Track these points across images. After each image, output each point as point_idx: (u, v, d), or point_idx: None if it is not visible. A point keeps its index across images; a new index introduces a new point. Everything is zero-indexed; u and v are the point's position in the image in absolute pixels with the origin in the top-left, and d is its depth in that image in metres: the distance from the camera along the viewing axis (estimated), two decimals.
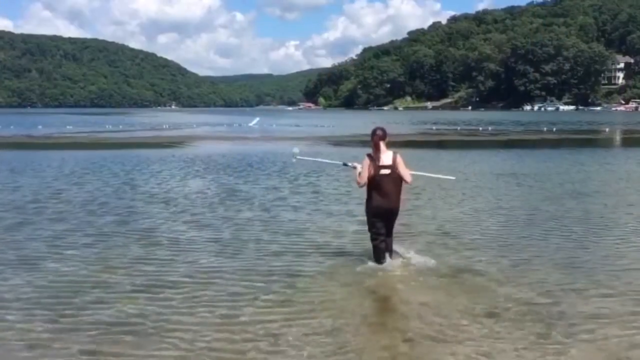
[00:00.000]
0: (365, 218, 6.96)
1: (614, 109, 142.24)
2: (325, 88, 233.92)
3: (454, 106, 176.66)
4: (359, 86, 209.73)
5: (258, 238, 8.39)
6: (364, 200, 6.92)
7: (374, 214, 6.72)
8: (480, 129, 48.18)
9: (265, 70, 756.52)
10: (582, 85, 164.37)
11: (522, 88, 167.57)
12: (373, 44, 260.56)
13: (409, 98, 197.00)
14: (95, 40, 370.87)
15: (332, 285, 6.25)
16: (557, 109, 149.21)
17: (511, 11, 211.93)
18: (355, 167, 6.88)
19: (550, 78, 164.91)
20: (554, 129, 46.22)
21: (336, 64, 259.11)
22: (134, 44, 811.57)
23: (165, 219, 9.89)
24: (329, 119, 75.34)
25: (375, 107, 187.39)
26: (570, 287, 6.14)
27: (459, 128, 50.37)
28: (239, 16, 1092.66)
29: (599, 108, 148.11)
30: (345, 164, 7.47)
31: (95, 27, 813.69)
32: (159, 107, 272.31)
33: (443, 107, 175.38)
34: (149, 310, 5.47)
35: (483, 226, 9.28)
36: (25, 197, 12.20)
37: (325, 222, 9.55)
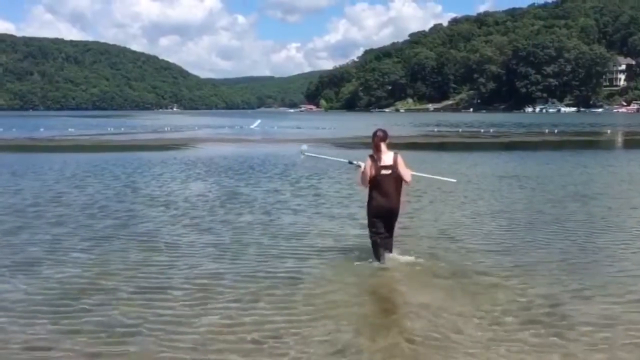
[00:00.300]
0: (366, 220, 7.00)
1: (615, 110, 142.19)
2: (327, 90, 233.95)
3: (455, 108, 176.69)
4: (361, 88, 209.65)
5: (259, 241, 8.37)
6: (366, 203, 6.96)
7: (375, 213, 6.81)
8: (482, 131, 48.07)
9: (266, 73, 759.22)
10: (584, 87, 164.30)
11: (523, 90, 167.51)
12: (374, 46, 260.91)
13: (410, 100, 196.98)
14: (97, 42, 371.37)
15: (334, 287, 6.24)
16: (559, 110, 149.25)
17: (512, 13, 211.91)
18: (360, 166, 6.96)
19: (551, 80, 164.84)
20: (556, 131, 46.10)
21: (337, 66, 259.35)
22: (136, 46, 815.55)
23: (165, 222, 9.87)
24: (331, 121, 75.36)
25: (376, 109, 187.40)
26: (573, 291, 6.10)
27: (460, 130, 50.31)
28: (241, 19, 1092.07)
29: (600, 110, 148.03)
30: (351, 162, 7.52)
31: (97, 30, 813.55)
32: (160, 110, 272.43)
33: (444, 109, 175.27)
34: (149, 314, 5.45)
35: (485, 229, 9.24)
36: (25, 200, 12.19)
37: (327, 225, 9.52)
